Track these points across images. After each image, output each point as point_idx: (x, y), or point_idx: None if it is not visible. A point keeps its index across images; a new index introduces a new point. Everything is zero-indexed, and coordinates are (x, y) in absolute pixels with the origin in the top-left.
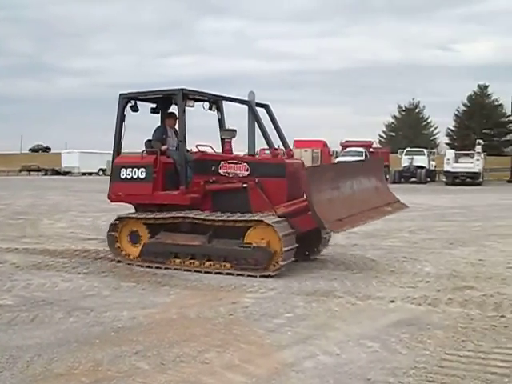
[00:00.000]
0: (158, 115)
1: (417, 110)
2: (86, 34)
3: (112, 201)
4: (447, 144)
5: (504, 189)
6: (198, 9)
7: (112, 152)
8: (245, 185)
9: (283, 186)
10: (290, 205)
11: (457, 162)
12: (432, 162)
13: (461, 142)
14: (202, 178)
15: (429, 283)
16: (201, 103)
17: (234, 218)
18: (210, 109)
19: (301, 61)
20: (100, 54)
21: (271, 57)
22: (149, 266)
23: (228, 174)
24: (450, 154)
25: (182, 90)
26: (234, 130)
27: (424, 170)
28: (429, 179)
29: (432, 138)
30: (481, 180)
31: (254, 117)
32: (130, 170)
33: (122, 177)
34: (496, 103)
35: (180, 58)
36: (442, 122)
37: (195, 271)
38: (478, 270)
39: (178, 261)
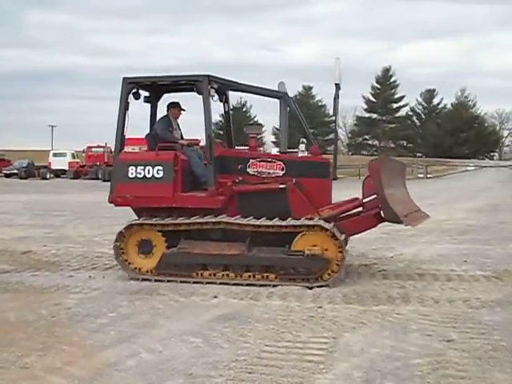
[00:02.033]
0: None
1: (244, 109)
2: None
3: (117, 205)
4: (273, 142)
5: None
6: (24, 0)
7: (114, 147)
8: (282, 186)
9: (327, 187)
10: (335, 207)
11: None
12: None
13: None
14: (226, 178)
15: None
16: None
17: (293, 223)
18: (220, 100)
19: (129, 57)
20: None
21: (99, 52)
22: (158, 280)
23: (259, 173)
24: (275, 151)
25: (208, 76)
26: (261, 125)
27: None
28: None
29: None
30: None
31: (288, 110)
32: (142, 168)
33: (131, 176)
34: (320, 104)
35: (6, 51)
36: (268, 120)
37: (195, 282)
38: None
39: (207, 273)
